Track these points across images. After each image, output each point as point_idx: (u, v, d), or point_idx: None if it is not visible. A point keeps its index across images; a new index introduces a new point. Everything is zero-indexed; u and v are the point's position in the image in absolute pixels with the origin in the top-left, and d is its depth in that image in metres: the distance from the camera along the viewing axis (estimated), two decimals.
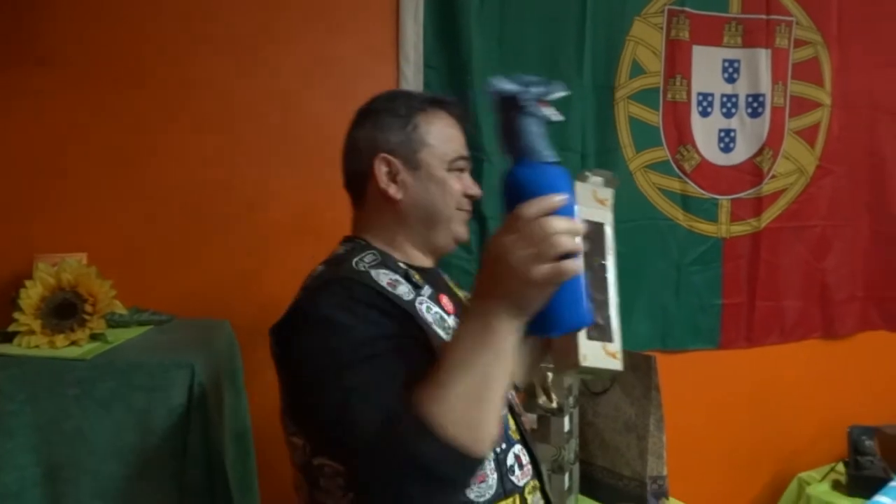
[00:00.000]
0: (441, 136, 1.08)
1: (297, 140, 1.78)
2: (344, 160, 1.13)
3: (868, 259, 2.41)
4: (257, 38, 1.74)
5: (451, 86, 1.85)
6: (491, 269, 0.77)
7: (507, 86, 0.78)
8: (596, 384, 1.82)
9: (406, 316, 0.95)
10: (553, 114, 0.79)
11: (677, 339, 2.17)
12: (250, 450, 1.51)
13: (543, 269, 0.73)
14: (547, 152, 0.80)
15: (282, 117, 1.77)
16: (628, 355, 1.74)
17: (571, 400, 1.76)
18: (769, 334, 2.28)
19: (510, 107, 0.79)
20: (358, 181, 1.10)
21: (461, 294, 1.19)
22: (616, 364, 0.94)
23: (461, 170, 1.10)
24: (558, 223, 0.74)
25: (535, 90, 0.78)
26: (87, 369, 1.15)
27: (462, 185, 1.09)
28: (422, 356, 0.88)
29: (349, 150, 1.12)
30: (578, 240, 0.75)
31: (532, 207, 0.74)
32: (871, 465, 2.02)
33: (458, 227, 1.10)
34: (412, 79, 1.83)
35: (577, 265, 0.75)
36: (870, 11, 2.35)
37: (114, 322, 1.36)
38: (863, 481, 1.98)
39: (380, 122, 1.07)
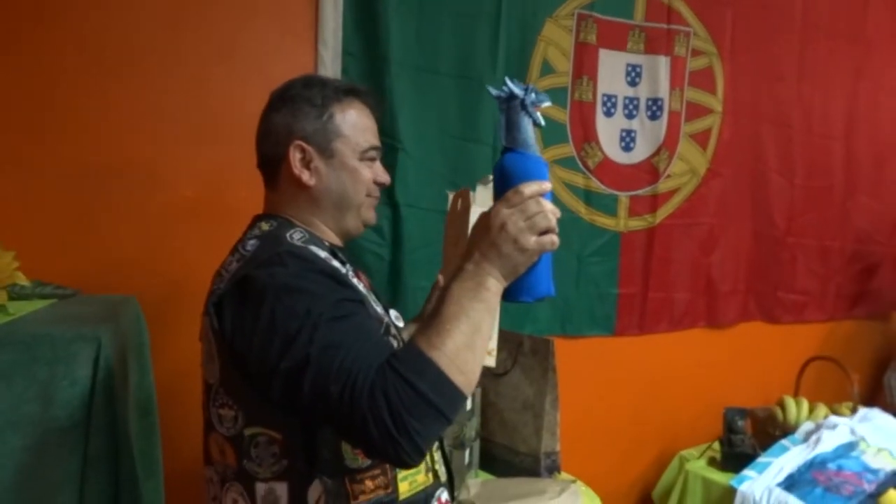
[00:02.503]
0: (355, 126, 1.11)
1: (209, 118, 1.77)
2: (259, 142, 1.15)
3: (748, 256, 2.63)
4: (172, 14, 1.72)
5: (369, 73, 1.89)
6: (489, 235, 0.90)
7: (517, 88, 0.94)
8: (497, 365, 1.91)
9: (351, 284, 1.00)
10: (541, 119, 0.96)
11: (576, 326, 2.30)
12: (155, 424, 1.50)
13: (533, 239, 0.90)
14: (536, 147, 0.96)
15: (194, 95, 1.75)
16: (529, 339, 1.86)
17: None
18: (659, 323, 2.45)
19: (515, 106, 0.94)
20: (272, 164, 1.12)
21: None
22: (490, 361, 1.07)
23: (372, 159, 1.14)
24: (547, 203, 0.91)
25: (536, 96, 0.94)
26: None
27: (373, 173, 1.14)
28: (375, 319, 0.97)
29: (264, 134, 1.14)
30: (555, 221, 0.92)
31: (531, 187, 0.90)
32: (741, 444, 2.20)
33: (367, 213, 1.15)
34: (330, 64, 1.85)
35: (555, 240, 0.92)
36: (760, 29, 2.55)
37: (15, 294, 1.33)
38: (734, 458, 2.16)
39: (296, 109, 1.09)
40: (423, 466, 1.06)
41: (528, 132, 0.95)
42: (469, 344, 0.88)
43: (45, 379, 1.14)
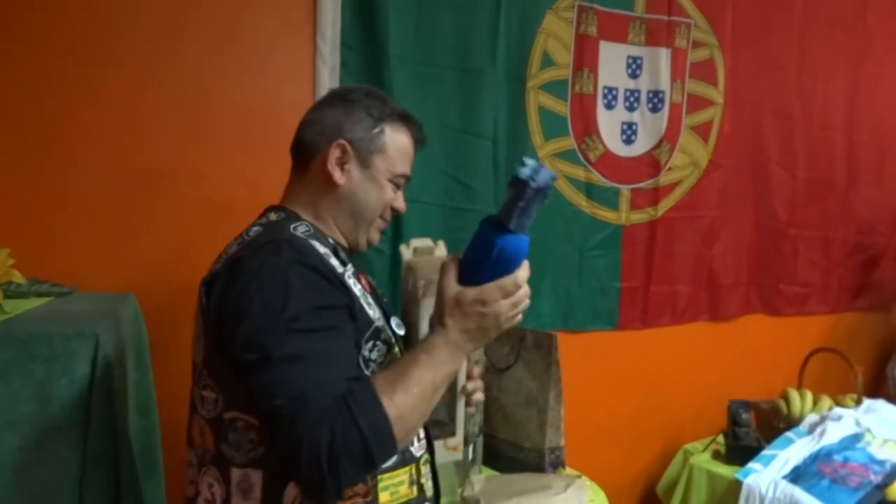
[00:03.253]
0: (398, 150, 1.14)
1: (208, 113, 1.75)
2: (302, 127, 1.15)
3: (750, 248, 2.62)
4: (169, 8, 1.70)
5: (367, 66, 1.87)
6: (483, 321, 0.94)
7: (546, 181, 0.90)
8: (500, 360, 1.90)
9: (342, 285, 1.00)
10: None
11: (578, 320, 2.28)
12: (155, 423, 1.49)
13: (516, 320, 0.98)
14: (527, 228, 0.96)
15: (191, 89, 1.73)
16: (532, 334, 1.85)
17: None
18: (662, 316, 2.44)
19: (539, 196, 0.91)
20: (307, 152, 1.13)
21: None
22: (457, 456, 1.18)
23: (399, 186, 1.16)
24: (525, 285, 0.97)
25: (551, 181, 0.91)
26: None
27: (393, 197, 1.16)
28: (352, 331, 0.98)
29: (312, 122, 1.14)
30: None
31: (523, 275, 0.96)
32: (746, 436, 2.18)
33: (374, 233, 1.17)
34: (329, 57, 1.83)
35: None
36: (761, 20, 2.53)
37: (11, 292, 1.31)
38: (739, 451, 2.14)
39: (351, 112, 1.12)
40: (405, 478, 1.05)
41: (532, 216, 0.94)
42: (422, 411, 0.93)
43: (43, 378, 1.12)
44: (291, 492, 0.95)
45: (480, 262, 0.94)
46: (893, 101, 2.89)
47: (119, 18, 1.65)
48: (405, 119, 1.16)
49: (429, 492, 1.11)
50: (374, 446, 0.87)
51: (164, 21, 1.70)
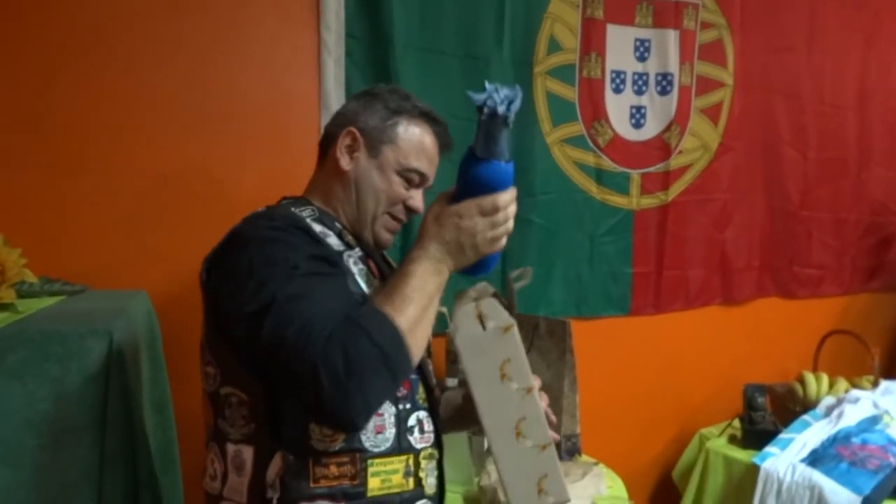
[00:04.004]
0: (411, 142, 1.13)
1: (214, 108, 1.74)
2: (330, 120, 1.19)
3: (762, 231, 2.59)
4: (171, 3, 1.68)
5: (373, 56, 1.86)
6: (459, 234, 0.95)
7: (501, 106, 0.90)
8: None
9: (334, 258, 1.00)
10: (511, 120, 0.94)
11: (591, 306, 2.27)
12: (170, 419, 1.49)
13: (495, 245, 0.98)
14: (508, 153, 0.96)
15: (197, 85, 1.72)
16: (545, 321, 1.83)
17: None
18: (675, 301, 2.42)
19: (497, 121, 0.91)
20: (326, 141, 1.16)
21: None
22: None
23: (413, 183, 1.14)
24: (512, 207, 0.98)
25: (515, 105, 0.91)
26: None
27: (407, 194, 1.14)
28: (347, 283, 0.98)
29: (335, 115, 1.18)
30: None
31: (504, 198, 0.96)
32: (762, 420, 2.17)
33: (381, 232, 1.15)
34: (333, 47, 1.82)
35: (504, 243, 0.99)
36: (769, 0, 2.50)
37: (23, 292, 1.30)
38: (755, 435, 2.13)
39: (369, 104, 1.13)
40: (401, 468, 1.02)
41: (505, 141, 0.95)
42: (422, 318, 0.93)
43: (58, 376, 1.12)
44: (274, 467, 0.95)
45: (459, 191, 0.97)
46: None
47: (121, 15, 1.64)
48: (427, 117, 1.15)
49: (429, 489, 1.06)
50: (390, 352, 0.87)
51: (166, 16, 1.68)
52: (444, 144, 1.18)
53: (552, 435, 1.06)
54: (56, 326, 1.15)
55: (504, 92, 0.91)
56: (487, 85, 0.91)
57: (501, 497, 1.04)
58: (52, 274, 1.48)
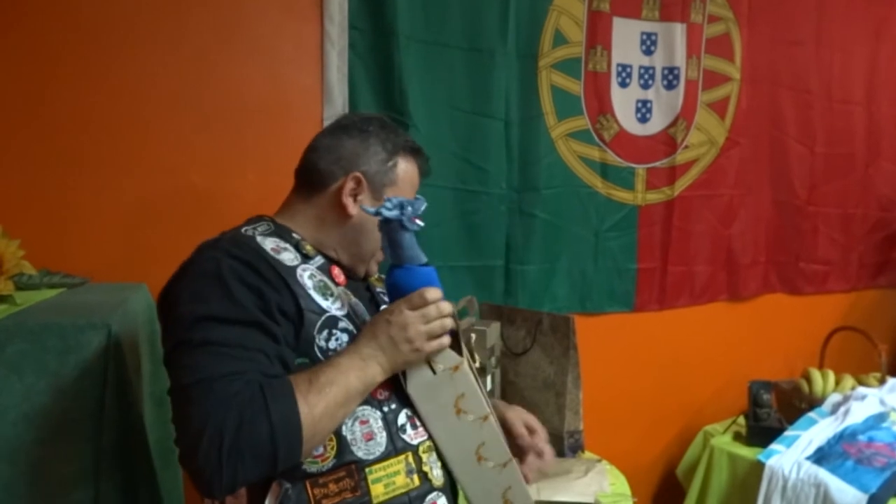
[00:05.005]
0: (407, 181, 1.18)
1: (215, 101, 1.72)
2: (316, 152, 1.17)
3: (769, 226, 2.57)
4: None
5: (376, 48, 1.84)
6: (389, 330, 0.98)
7: (391, 213, 0.99)
8: (517, 344, 1.87)
9: (280, 281, 0.99)
10: (421, 224, 1.01)
11: (595, 302, 2.25)
12: (170, 413, 1.48)
13: (431, 344, 1.00)
14: (423, 256, 1.03)
15: (198, 77, 1.70)
16: (549, 317, 1.82)
17: (493, 360, 1.81)
18: (679, 297, 2.40)
19: (395, 227, 1.00)
20: (320, 178, 1.14)
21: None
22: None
23: None
24: (447, 307, 1.01)
25: (410, 210, 0.99)
26: None
27: None
28: (279, 332, 0.96)
29: (328, 149, 1.16)
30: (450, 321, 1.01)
31: (432, 293, 1.00)
32: (767, 417, 2.15)
33: (374, 265, 1.20)
34: (337, 39, 1.80)
35: (444, 342, 1.01)
36: None
37: (22, 284, 1.29)
38: (760, 432, 2.11)
39: (369, 145, 1.15)
40: (401, 468, 1.01)
41: (412, 245, 1.02)
42: (333, 414, 0.93)
43: (56, 369, 1.11)
44: (273, 494, 0.95)
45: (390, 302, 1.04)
46: None
47: (121, 9, 1.63)
48: (416, 152, 1.20)
49: (437, 481, 1.05)
50: (280, 445, 0.87)
51: (168, 10, 1.67)
52: (425, 173, 1.24)
53: (509, 453, 1.10)
54: (54, 319, 1.14)
55: (397, 201, 0.99)
56: (385, 199, 1.00)
57: None
58: (53, 267, 1.47)
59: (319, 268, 1.07)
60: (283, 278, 0.99)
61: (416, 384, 1.04)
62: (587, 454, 1.82)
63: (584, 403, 1.79)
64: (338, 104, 1.81)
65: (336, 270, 1.11)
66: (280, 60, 1.79)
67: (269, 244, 1.03)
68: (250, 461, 0.86)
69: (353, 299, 1.11)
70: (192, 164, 1.71)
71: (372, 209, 1.01)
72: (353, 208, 1.12)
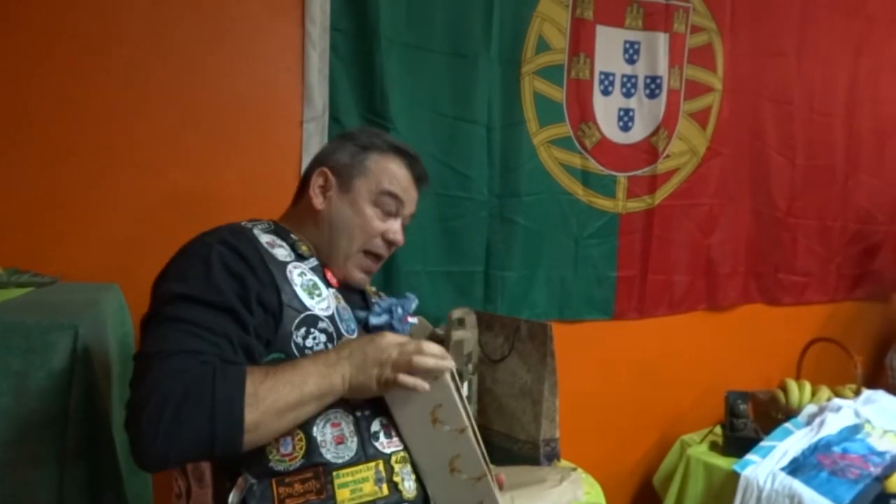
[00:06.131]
0: (383, 171, 1.16)
1: (196, 100, 1.71)
2: (308, 165, 1.23)
3: (748, 236, 2.59)
4: None
5: (358, 50, 1.83)
6: (363, 347, 0.98)
7: (380, 318, 1.08)
8: (494, 351, 1.87)
9: (267, 273, 1.00)
10: (414, 322, 1.07)
11: (574, 310, 2.25)
12: None
13: (399, 377, 0.97)
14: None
15: (179, 76, 1.69)
16: (526, 324, 1.81)
17: (471, 367, 1.80)
18: (659, 306, 2.41)
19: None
20: (303, 182, 1.20)
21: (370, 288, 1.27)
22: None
23: (389, 211, 1.17)
24: (432, 348, 0.99)
25: (399, 312, 1.06)
26: None
27: (385, 226, 1.16)
28: (252, 322, 0.97)
29: (312, 158, 1.22)
30: (435, 362, 0.99)
31: (430, 345, 1.00)
32: (744, 427, 2.15)
33: (354, 271, 1.17)
34: (318, 41, 1.79)
35: (418, 385, 0.98)
36: (760, 5, 2.49)
37: None
38: (737, 442, 2.11)
39: (342, 144, 1.18)
40: (370, 475, 1.00)
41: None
42: (281, 413, 0.91)
43: (20, 370, 1.08)
44: (238, 488, 0.94)
45: None
46: (894, 87, 2.85)
47: (105, 9, 1.61)
48: (398, 150, 1.18)
49: (407, 493, 1.03)
50: (217, 426, 0.86)
51: (151, 10, 1.65)
52: (419, 177, 1.21)
53: (485, 467, 1.08)
54: (19, 319, 1.11)
55: (386, 304, 1.10)
56: (374, 303, 1.12)
57: None
58: (23, 265, 1.45)
59: (313, 269, 1.09)
60: (271, 271, 1.00)
61: (393, 390, 1.03)
62: (563, 462, 1.81)
63: (561, 411, 1.78)
64: (318, 106, 1.80)
65: (330, 274, 1.13)
66: (262, 61, 1.78)
67: (265, 238, 1.05)
68: (186, 435, 0.86)
69: (342, 303, 1.10)
70: (169, 163, 1.69)
71: (362, 314, 1.07)
72: (320, 203, 1.13)
